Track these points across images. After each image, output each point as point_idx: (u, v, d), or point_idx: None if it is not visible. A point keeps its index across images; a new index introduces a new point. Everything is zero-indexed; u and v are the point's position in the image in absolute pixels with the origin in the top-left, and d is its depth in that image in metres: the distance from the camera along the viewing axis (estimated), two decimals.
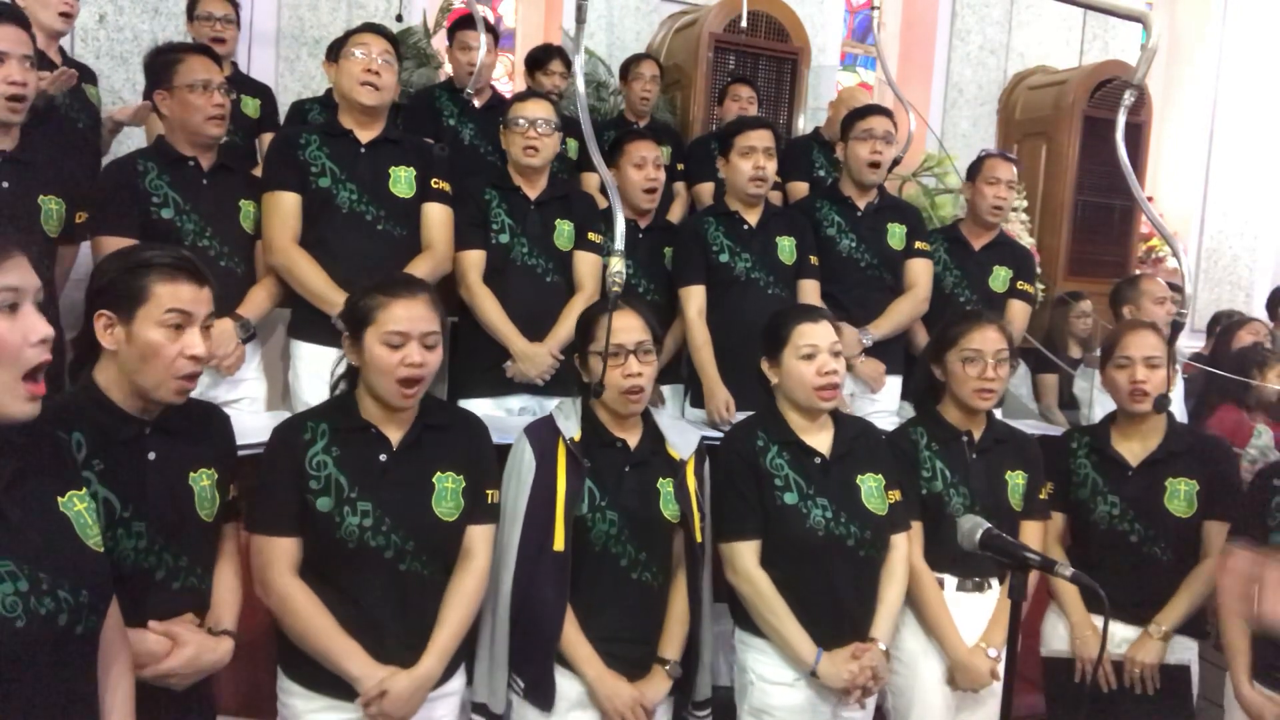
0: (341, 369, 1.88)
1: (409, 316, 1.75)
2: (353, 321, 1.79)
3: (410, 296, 1.77)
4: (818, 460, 2.12)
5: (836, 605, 2.08)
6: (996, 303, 3.28)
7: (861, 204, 3.17)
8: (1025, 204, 5.29)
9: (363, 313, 1.77)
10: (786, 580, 2.07)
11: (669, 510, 2.00)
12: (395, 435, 1.80)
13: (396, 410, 1.79)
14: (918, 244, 3.19)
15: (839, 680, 2.02)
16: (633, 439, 2.04)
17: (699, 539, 2.02)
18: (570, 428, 2.00)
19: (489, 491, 1.88)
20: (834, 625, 2.07)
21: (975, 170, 3.33)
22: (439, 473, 1.81)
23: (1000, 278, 3.31)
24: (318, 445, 1.76)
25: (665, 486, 2.01)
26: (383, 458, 1.78)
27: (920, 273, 3.18)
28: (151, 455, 1.55)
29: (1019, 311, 3.31)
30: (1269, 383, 3.41)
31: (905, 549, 2.18)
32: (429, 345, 1.77)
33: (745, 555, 2.08)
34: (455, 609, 1.81)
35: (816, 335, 2.11)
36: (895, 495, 2.17)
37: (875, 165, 3.11)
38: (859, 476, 2.14)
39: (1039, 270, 5.01)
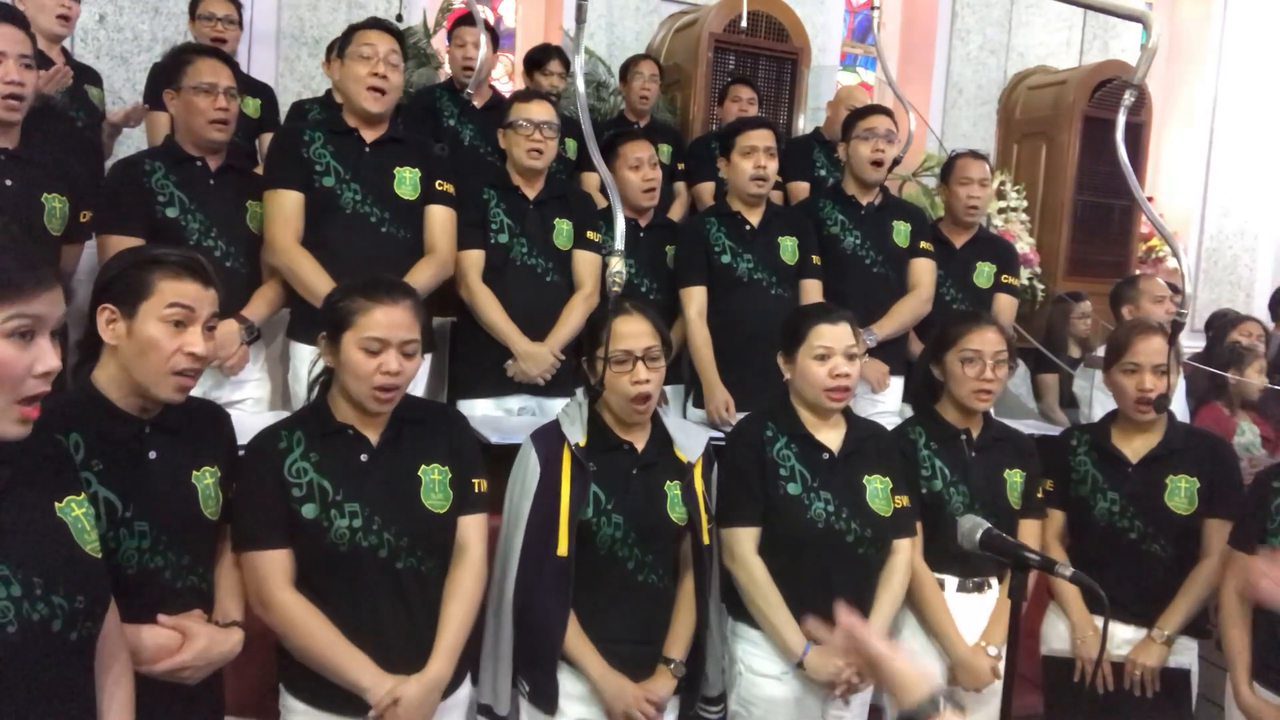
0: (318, 369, 1.83)
1: (389, 323, 1.70)
2: (331, 322, 1.74)
3: (392, 302, 1.71)
4: (826, 456, 2.12)
5: (831, 600, 2.07)
6: (983, 299, 3.28)
7: (865, 202, 3.18)
8: (1025, 204, 5.30)
9: (341, 315, 1.71)
10: (783, 571, 2.08)
11: (676, 513, 1.99)
12: (373, 434, 1.76)
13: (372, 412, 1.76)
14: (922, 243, 3.20)
15: (825, 673, 2.03)
16: (640, 441, 2.02)
17: (706, 541, 2.02)
18: (575, 433, 1.99)
19: (475, 481, 1.84)
20: (827, 620, 2.06)
21: (948, 172, 3.35)
22: (424, 465, 1.77)
23: (984, 274, 3.31)
24: (295, 453, 1.71)
25: (672, 489, 2.01)
26: (364, 457, 1.74)
27: (924, 272, 3.18)
28: (152, 455, 1.54)
29: (1006, 306, 3.31)
30: (1249, 379, 3.43)
31: (909, 554, 2.18)
32: (407, 354, 1.72)
33: (744, 541, 2.09)
34: (457, 606, 1.78)
35: (832, 337, 2.11)
36: (902, 500, 2.17)
37: (878, 164, 3.12)
38: (866, 476, 2.14)
39: (1038, 270, 5.07)
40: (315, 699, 1.72)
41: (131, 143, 3.75)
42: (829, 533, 2.07)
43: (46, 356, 1.18)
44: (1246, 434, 3.39)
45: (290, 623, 1.67)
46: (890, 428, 2.42)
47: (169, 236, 2.39)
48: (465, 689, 1.88)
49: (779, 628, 2.05)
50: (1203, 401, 3.62)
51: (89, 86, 3.24)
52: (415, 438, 1.80)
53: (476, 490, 1.85)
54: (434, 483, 1.78)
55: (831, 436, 2.15)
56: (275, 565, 1.68)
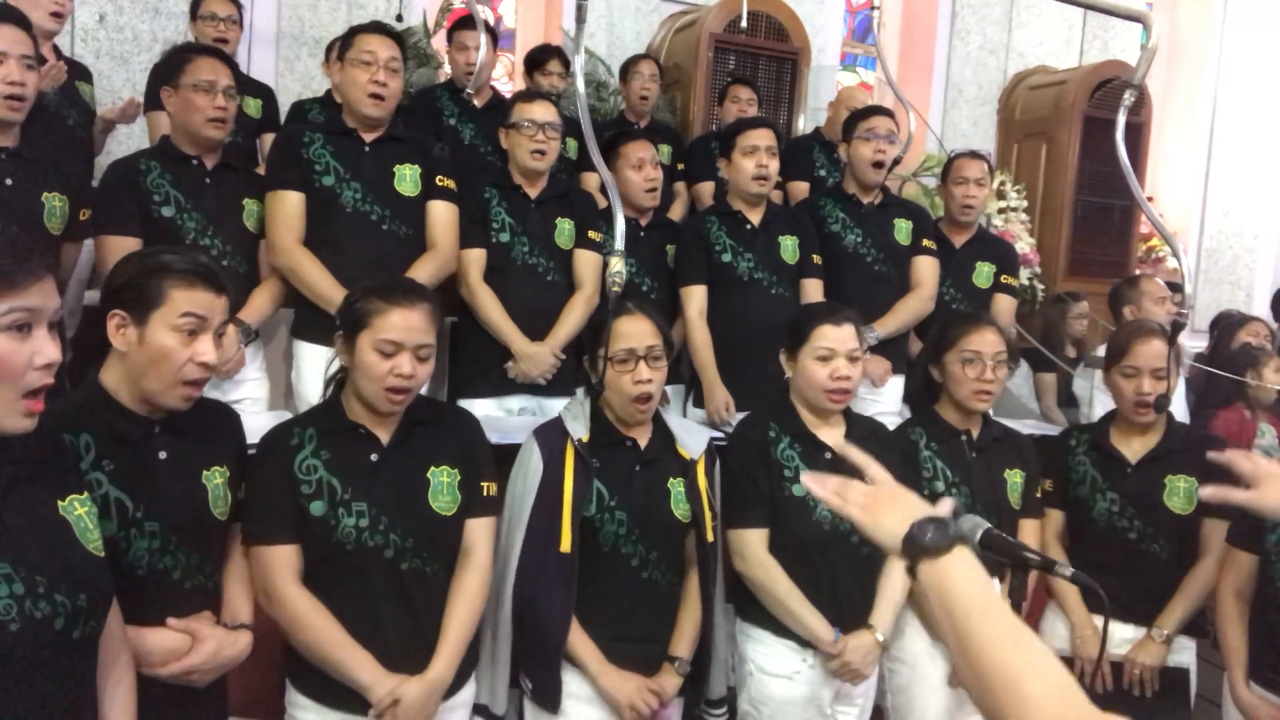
0: (334, 368, 1.84)
1: (405, 327, 1.71)
2: (348, 322, 1.75)
3: (409, 306, 1.72)
4: (828, 455, 2.12)
5: (837, 600, 2.09)
6: (982, 299, 3.28)
7: (866, 201, 3.18)
8: (1025, 204, 5.30)
9: (358, 315, 1.73)
10: (790, 572, 2.08)
11: (679, 510, 2.00)
12: (384, 434, 1.77)
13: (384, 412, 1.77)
14: (924, 241, 3.20)
15: (855, 660, 2.03)
16: (643, 438, 2.03)
17: (710, 538, 2.02)
18: (578, 429, 1.99)
19: (485, 484, 1.85)
20: (835, 619, 2.08)
21: (945, 172, 3.37)
22: (433, 467, 1.78)
23: (984, 274, 3.32)
24: (306, 449, 1.72)
25: (676, 486, 2.01)
26: (374, 457, 1.75)
27: (926, 271, 3.18)
28: (162, 455, 1.54)
29: (1005, 306, 3.32)
30: (1265, 380, 3.42)
31: None
32: (421, 357, 1.73)
33: (754, 544, 2.09)
34: (461, 608, 1.79)
35: (835, 338, 2.12)
36: None
37: (879, 165, 3.13)
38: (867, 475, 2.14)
39: (1038, 270, 5.07)
40: (321, 695, 1.73)
41: (132, 142, 3.75)
42: (835, 533, 2.08)
43: (46, 348, 1.18)
44: (1267, 436, 3.38)
45: (295, 618, 1.68)
46: (890, 427, 2.43)
47: (165, 236, 2.38)
48: (468, 691, 1.88)
49: (804, 619, 2.05)
50: (1222, 405, 3.60)
51: (80, 83, 3.23)
52: (426, 439, 1.81)
53: (485, 493, 1.85)
54: (442, 484, 1.79)
55: (832, 435, 2.16)
56: (282, 560, 1.69)
